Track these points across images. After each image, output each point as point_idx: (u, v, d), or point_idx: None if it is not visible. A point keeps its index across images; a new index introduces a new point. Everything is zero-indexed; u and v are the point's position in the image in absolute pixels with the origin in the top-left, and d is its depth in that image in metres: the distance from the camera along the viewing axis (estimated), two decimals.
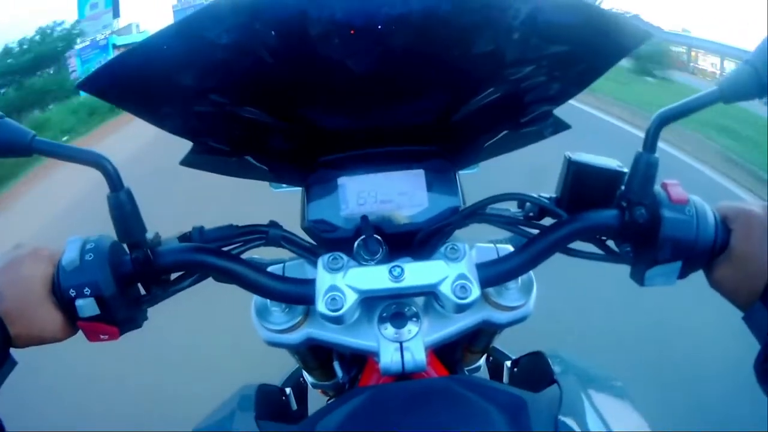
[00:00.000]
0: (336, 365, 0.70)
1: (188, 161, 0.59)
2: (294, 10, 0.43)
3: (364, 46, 0.47)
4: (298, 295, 0.52)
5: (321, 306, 0.49)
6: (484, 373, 0.86)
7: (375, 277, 0.51)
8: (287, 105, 0.56)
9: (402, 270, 0.51)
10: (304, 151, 0.63)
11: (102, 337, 0.54)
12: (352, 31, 0.45)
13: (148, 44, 0.45)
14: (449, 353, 0.72)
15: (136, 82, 0.48)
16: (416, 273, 0.51)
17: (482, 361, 0.84)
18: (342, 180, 0.62)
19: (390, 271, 0.51)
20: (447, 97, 0.58)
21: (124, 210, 0.52)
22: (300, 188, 0.65)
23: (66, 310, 0.52)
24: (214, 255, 0.54)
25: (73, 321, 0.54)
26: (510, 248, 0.62)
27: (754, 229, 0.51)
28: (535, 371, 0.64)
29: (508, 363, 0.80)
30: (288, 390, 0.74)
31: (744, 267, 0.51)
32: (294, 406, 0.75)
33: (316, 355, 0.71)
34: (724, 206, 0.55)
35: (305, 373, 0.79)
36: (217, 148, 0.59)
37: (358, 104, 0.57)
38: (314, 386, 0.80)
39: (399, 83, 0.54)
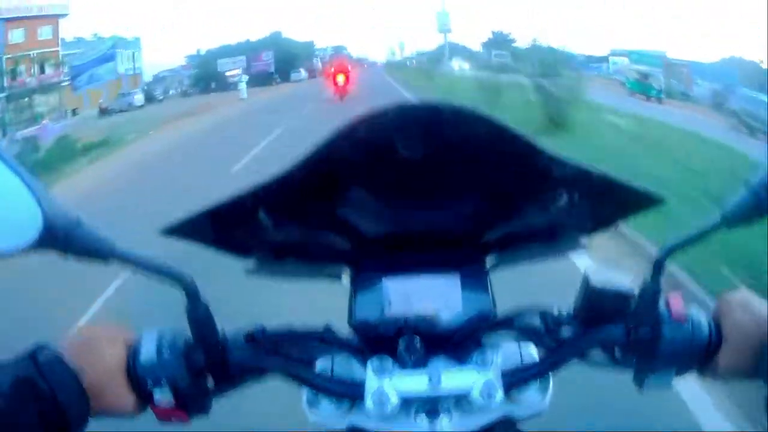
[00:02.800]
0: None
1: (252, 272, 0.69)
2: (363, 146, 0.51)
3: (415, 161, 0.54)
4: (351, 394, 0.61)
5: (369, 404, 0.58)
6: None
7: (416, 382, 0.59)
8: (332, 215, 0.64)
9: (439, 377, 0.59)
10: (350, 255, 0.71)
11: (173, 419, 0.61)
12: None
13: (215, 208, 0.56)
14: None
15: (212, 230, 0.60)
16: (451, 379, 0.59)
17: None
18: (385, 281, 0.70)
19: (429, 378, 0.59)
20: (483, 215, 0.67)
21: (200, 322, 0.60)
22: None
23: (139, 392, 0.59)
24: (277, 358, 0.63)
25: (145, 401, 0.60)
26: (532, 348, 0.70)
27: (741, 319, 0.59)
28: None
29: None
30: None
31: (736, 352, 0.59)
32: None
33: None
34: (722, 309, 0.62)
35: None
36: (270, 259, 0.68)
37: (401, 208, 0.65)
38: None
39: (440, 197, 0.62)
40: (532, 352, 0.69)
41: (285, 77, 39.24)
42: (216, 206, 0.55)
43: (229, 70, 37.04)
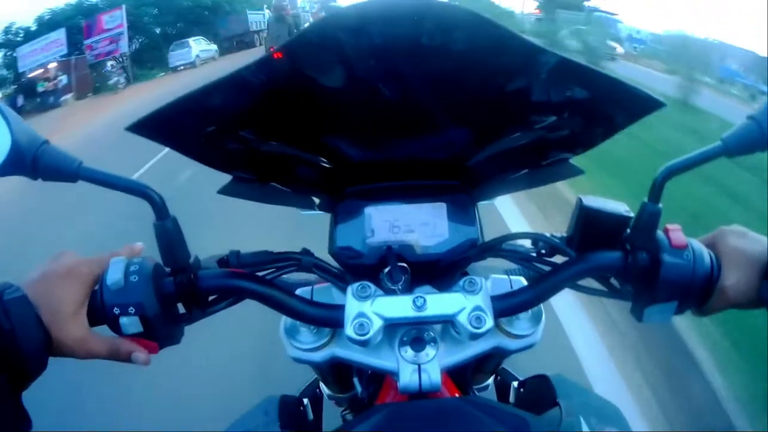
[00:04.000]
0: (355, 381, 0.74)
1: (226, 190, 0.64)
2: (331, 42, 0.45)
3: (397, 74, 0.50)
4: (328, 319, 0.57)
5: (349, 330, 0.53)
6: (492, 392, 0.90)
7: (399, 306, 0.55)
8: (316, 138, 0.60)
9: (424, 301, 0.55)
10: (333, 182, 0.67)
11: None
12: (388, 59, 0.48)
13: (187, 97, 0.50)
14: (461, 373, 0.76)
15: (177, 127, 0.53)
16: (437, 304, 0.55)
17: (491, 380, 0.88)
18: (368, 210, 0.67)
19: (413, 301, 0.55)
20: (471, 137, 0.62)
21: (170, 237, 0.56)
22: (328, 213, 0.70)
23: (104, 325, 0.55)
24: (251, 280, 0.58)
25: (109, 339, 0.57)
26: (522, 280, 0.67)
27: (743, 262, 0.56)
28: (539, 393, 0.69)
29: (515, 384, 0.85)
30: (305, 401, 0.78)
31: (739, 276, 0.56)
32: (311, 416, 0.79)
33: (336, 371, 0.76)
34: (720, 239, 0.59)
35: (322, 386, 0.84)
36: (251, 179, 0.63)
37: (384, 138, 0.61)
38: (330, 398, 0.85)
39: (425, 119, 0.58)
40: (523, 284, 0.66)
41: None
42: (181, 102, 0.50)
43: None
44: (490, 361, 0.78)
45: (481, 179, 0.70)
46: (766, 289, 0.55)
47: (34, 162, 0.51)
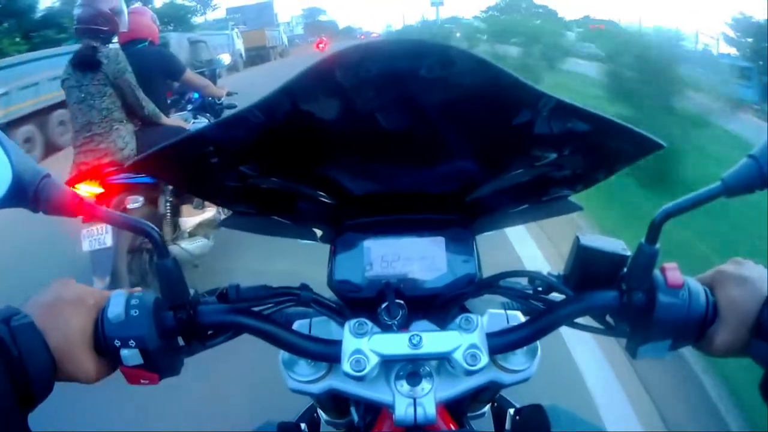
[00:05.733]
0: (352, 410, 0.75)
1: (227, 223, 0.66)
2: (331, 79, 0.46)
3: (396, 106, 0.51)
4: (325, 354, 0.58)
5: (346, 366, 0.54)
6: (488, 420, 0.90)
7: (395, 343, 0.56)
8: (316, 172, 0.61)
9: (420, 339, 0.55)
10: (333, 215, 0.68)
11: (143, 381, 0.59)
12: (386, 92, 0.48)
13: (188, 136, 0.51)
14: (457, 402, 0.77)
15: (177, 164, 0.55)
16: (433, 342, 0.56)
17: (487, 408, 0.88)
18: (367, 243, 0.67)
19: (410, 339, 0.56)
20: (471, 171, 0.63)
21: (170, 276, 0.58)
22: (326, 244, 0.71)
23: (106, 356, 0.57)
24: (249, 316, 0.59)
25: (112, 365, 0.59)
26: (519, 315, 0.68)
27: (737, 295, 0.56)
28: (534, 423, 0.69)
29: (512, 411, 0.85)
30: (303, 426, 0.79)
31: (731, 329, 0.56)
32: None
33: (334, 400, 0.76)
34: (718, 283, 0.58)
35: (320, 411, 0.84)
36: (252, 212, 0.65)
37: (384, 171, 0.62)
38: (328, 423, 0.85)
39: (425, 152, 0.59)
40: (520, 319, 0.67)
41: None
42: (184, 141, 0.52)
43: None
44: (486, 393, 0.78)
45: (481, 213, 0.71)
46: (755, 347, 0.54)
47: (36, 195, 0.51)
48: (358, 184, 0.64)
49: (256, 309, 0.62)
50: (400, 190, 0.66)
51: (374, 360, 0.55)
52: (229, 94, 4.12)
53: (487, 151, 0.59)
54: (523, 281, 0.67)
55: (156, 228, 0.57)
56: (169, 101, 3.74)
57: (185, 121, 3.45)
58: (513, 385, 0.65)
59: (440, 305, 0.65)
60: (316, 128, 0.52)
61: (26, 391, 0.52)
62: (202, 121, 3.77)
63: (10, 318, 0.52)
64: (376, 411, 0.69)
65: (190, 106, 4.02)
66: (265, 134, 0.52)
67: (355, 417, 0.73)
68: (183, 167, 0.56)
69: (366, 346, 0.55)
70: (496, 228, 0.75)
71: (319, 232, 0.73)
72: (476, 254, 0.68)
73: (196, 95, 4.03)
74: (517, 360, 0.64)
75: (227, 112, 3.36)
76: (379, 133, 0.54)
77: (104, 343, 0.56)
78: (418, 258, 0.67)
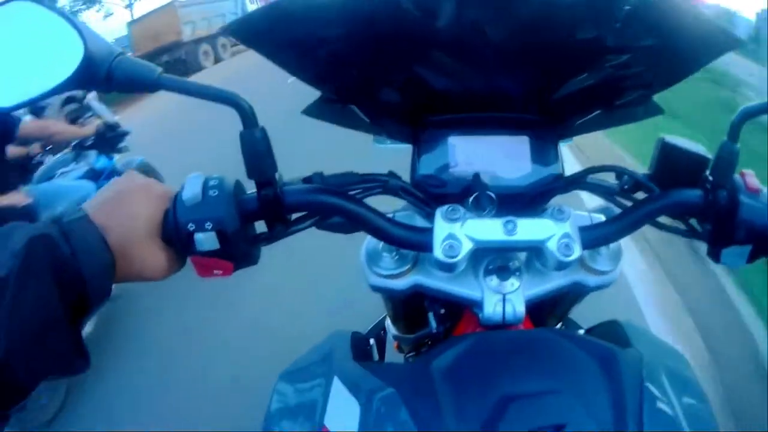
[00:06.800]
0: (430, 316, 0.73)
1: (309, 111, 0.63)
2: None
3: (487, 12, 0.50)
4: (416, 242, 0.54)
5: (438, 252, 0.51)
6: None
7: (490, 229, 0.53)
8: (400, 64, 0.59)
9: (515, 225, 0.53)
10: (414, 110, 0.66)
11: (215, 272, 0.56)
12: None
13: (286, 1, 0.49)
14: (538, 311, 0.75)
15: (274, 31, 0.52)
16: (527, 229, 0.53)
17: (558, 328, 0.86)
18: (452, 139, 0.65)
19: (504, 225, 0.53)
20: (551, 72, 0.61)
21: (257, 147, 0.53)
22: (401, 146, 0.70)
23: (176, 246, 0.53)
24: (341, 198, 0.56)
25: (180, 258, 0.55)
26: (602, 217, 0.65)
27: None
28: (610, 339, 0.67)
29: (581, 332, 0.83)
30: (371, 340, 0.78)
31: None
32: (376, 356, 0.79)
33: (408, 307, 0.75)
34: None
35: (388, 326, 0.83)
36: (334, 98, 0.63)
37: (465, 69, 0.60)
38: (395, 338, 0.84)
39: (509, 53, 0.56)
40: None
41: None
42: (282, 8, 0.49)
43: None
44: (562, 303, 0.76)
45: (561, 118, 0.68)
46: None
47: (109, 73, 0.49)
48: (441, 80, 0.62)
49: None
50: (480, 88, 0.63)
51: (467, 246, 0.52)
52: (111, 128, 3.03)
53: (565, 54, 0.57)
54: (609, 179, 0.65)
55: (238, 95, 0.52)
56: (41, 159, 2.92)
57: (26, 195, 2.45)
58: (596, 290, 0.63)
59: (526, 203, 0.63)
60: (410, 20, 0.51)
61: (80, 295, 0.47)
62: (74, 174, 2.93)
63: (62, 214, 0.48)
64: (455, 316, 0.67)
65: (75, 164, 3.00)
66: (358, 16, 0.50)
67: (433, 324, 0.72)
68: (276, 36, 0.53)
69: (459, 230, 0.52)
70: (579, 133, 0.72)
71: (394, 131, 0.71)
72: (560, 156, 0.66)
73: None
74: (603, 261, 0.61)
75: (128, 139, 3.02)
76: (463, 32, 0.52)
77: (176, 229, 0.52)
78: (502, 156, 0.65)
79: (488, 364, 0.51)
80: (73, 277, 0.46)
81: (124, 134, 3.14)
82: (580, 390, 0.48)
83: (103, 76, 0.49)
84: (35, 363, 0.45)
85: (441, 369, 0.51)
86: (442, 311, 0.71)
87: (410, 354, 0.85)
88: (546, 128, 0.67)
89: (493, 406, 0.46)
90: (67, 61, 0.48)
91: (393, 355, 0.89)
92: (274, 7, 0.49)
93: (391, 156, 0.75)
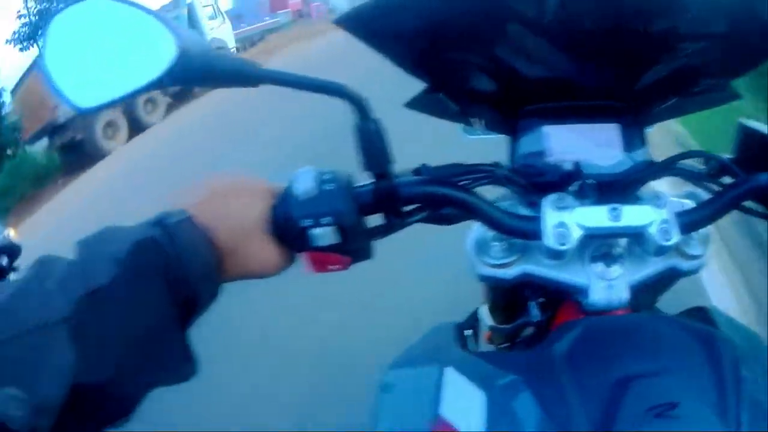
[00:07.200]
0: (532, 305, 0.76)
1: (412, 104, 0.67)
2: None
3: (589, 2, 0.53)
4: (527, 230, 0.57)
5: (549, 241, 0.54)
6: None
7: (597, 216, 0.55)
8: (492, 52, 0.62)
9: (620, 211, 0.55)
10: (511, 100, 0.69)
11: (331, 267, 0.56)
12: None
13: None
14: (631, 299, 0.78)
15: (383, 22, 0.54)
16: (631, 215, 0.55)
17: None
18: (546, 129, 0.68)
19: (609, 212, 0.55)
20: (635, 60, 0.63)
21: (372, 139, 0.53)
22: (491, 136, 0.74)
23: (286, 242, 0.53)
24: (456, 189, 0.58)
25: (290, 253, 0.54)
26: (689, 202, 0.68)
27: None
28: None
29: None
30: (467, 332, 0.81)
31: None
32: (473, 346, 0.82)
33: (507, 297, 0.78)
34: None
35: (483, 316, 0.87)
36: (436, 90, 0.66)
37: (563, 55, 0.62)
38: (490, 328, 0.87)
39: (599, 41, 0.59)
40: (692, 205, 0.67)
41: None
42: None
43: None
44: (655, 289, 0.78)
45: (644, 105, 0.70)
46: None
47: (206, 69, 0.49)
48: (536, 68, 0.65)
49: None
50: (572, 77, 0.66)
51: (576, 234, 0.55)
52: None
53: (648, 38, 0.58)
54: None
55: (354, 92, 0.52)
56: None
57: None
58: (688, 275, 0.65)
59: (621, 189, 0.65)
60: (511, 10, 0.54)
61: (186, 299, 0.46)
62: None
63: (165, 217, 0.47)
64: (556, 304, 0.70)
65: None
66: (462, 7, 0.53)
67: (536, 312, 0.75)
68: (384, 28, 0.55)
69: (569, 218, 0.55)
70: (658, 120, 0.74)
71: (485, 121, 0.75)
72: (648, 144, 0.69)
73: None
74: (695, 246, 0.63)
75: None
76: (565, 20, 0.55)
77: (288, 225, 0.52)
78: (594, 144, 0.67)
79: (603, 348, 0.54)
80: (180, 280, 0.45)
81: (15, 254, 2.76)
82: (686, 370, 0.50)
83: (200, 72, 0.49)
84: (144, 374, 0.44)
85: (562, 354, 0.53)
86: (541, 300, 0.74)
87: (504, 344, 0.89)
88: (632, 115, 0.69)
89: (612, 387, 0.48)
90: (158, 59, 0.47)
91: (484, 346, 0.92)
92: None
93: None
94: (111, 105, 0.49)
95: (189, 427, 1.97)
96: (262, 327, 2.79)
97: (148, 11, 0.48)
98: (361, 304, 2.60)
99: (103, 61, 0.49)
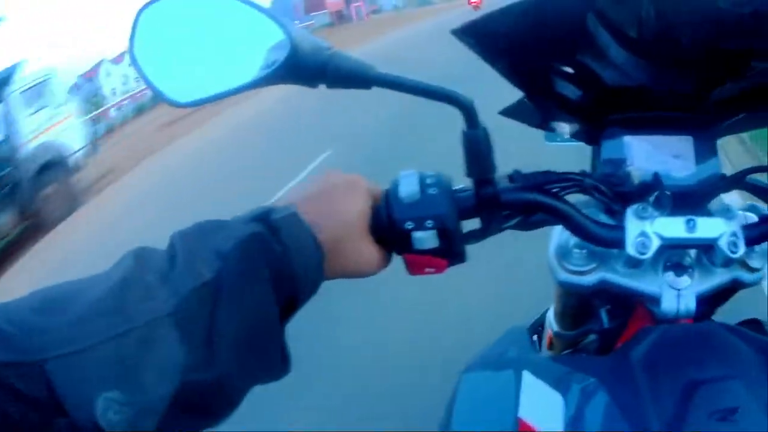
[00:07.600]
0: (602, 313, 0.78)
1: (507, 112, 0.70)
2: None
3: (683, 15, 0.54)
4: (611, 238, 0.59)
5: (631, 249, 0.57)
6: None
7: (675, 226, 0.58)
8: (576, 60, 0.64)
9: (695, 223, 0.57)
10: (596, 110, 0.71)
11: (428, 270, 0.57)
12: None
13: (513, 9, 0.53)
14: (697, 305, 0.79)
15: (496, 36, 0.57)
16: (704, 226, 0.58)
17: None
18: (627, 139, 0.69)
19: (686, 223, 0.58)
20: (712, 73, 0.64)
21: (479, 147, 0.54)
22: (572, 144, 0.77)
23: (386, 244, 0.54)
24: (553, 198, 0.60)
25: (389, 254, 0.55)
26: (753, 216, 0.69)
27: None
28: None
29: None
30: (534, 337, 0.84)
31: None
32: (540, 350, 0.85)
33: (579, 303, 0.80)
34: None
35: (550, 321, 0.89)
36: (532, 99, 0.69)
37: (648, 65, 0.64)
38: (556, 334, 0.89)
39: (683, 53, 0.61)
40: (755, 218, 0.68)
41: None
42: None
43: None
44: (717, 300, 0.80)
45: (719, 117, 0.72)
46: None
47: (321, 68, 0.50)
48: (617, 76, 0.66)
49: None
50: (655, 87, 0.67)
51: (655, 243, 0.57)
52: None
53: (725, 54, 0.60)
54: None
55: (466, 98, 0.52)
56: None
57: None
58: (750, 286, 0.66)
59: (694, 201, 0.67)
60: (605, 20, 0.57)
61: (289, 295, 0.46)
62: None
63: (269, 213, 0.46)
64: (626, 312, 0.72)
65: None
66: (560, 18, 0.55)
67: (605, 320, 0.76)
68: (496, 41, 0.57)
69: (650, 228, 0.57)
70: (733, 132, 0.75)
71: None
72: (720, 156, 0.70)
73: None
74: (757, 259, 0.65)
75: None
76: (657, 32, 0.57)
77: (390, 227, 0.53)
78: (671, 155, 0.69)
79: (676, 354, 0.56)
80: (285, 277, 0.45)
81: None
82: (747, 378, 0.52)
83: (314, 71, 0.50)
84: (247, 371, 0.43)
85: (639, 358, 0.56)
86: (608, 307, 0.76)
87: (566, 350, 0.91)
88: (705, 128, 0.70)
89: (681, 391, 0.51)
90: (267, 56, 0.47)
91: (545, 352, 0.94)
92: (501, 14, 0.53)
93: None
94: (212, 101, 0.49)
95: (274, 427, 2.06)
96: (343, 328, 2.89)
97: (253, 5, 0.47)
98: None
99: (199, 56, 0.48)
